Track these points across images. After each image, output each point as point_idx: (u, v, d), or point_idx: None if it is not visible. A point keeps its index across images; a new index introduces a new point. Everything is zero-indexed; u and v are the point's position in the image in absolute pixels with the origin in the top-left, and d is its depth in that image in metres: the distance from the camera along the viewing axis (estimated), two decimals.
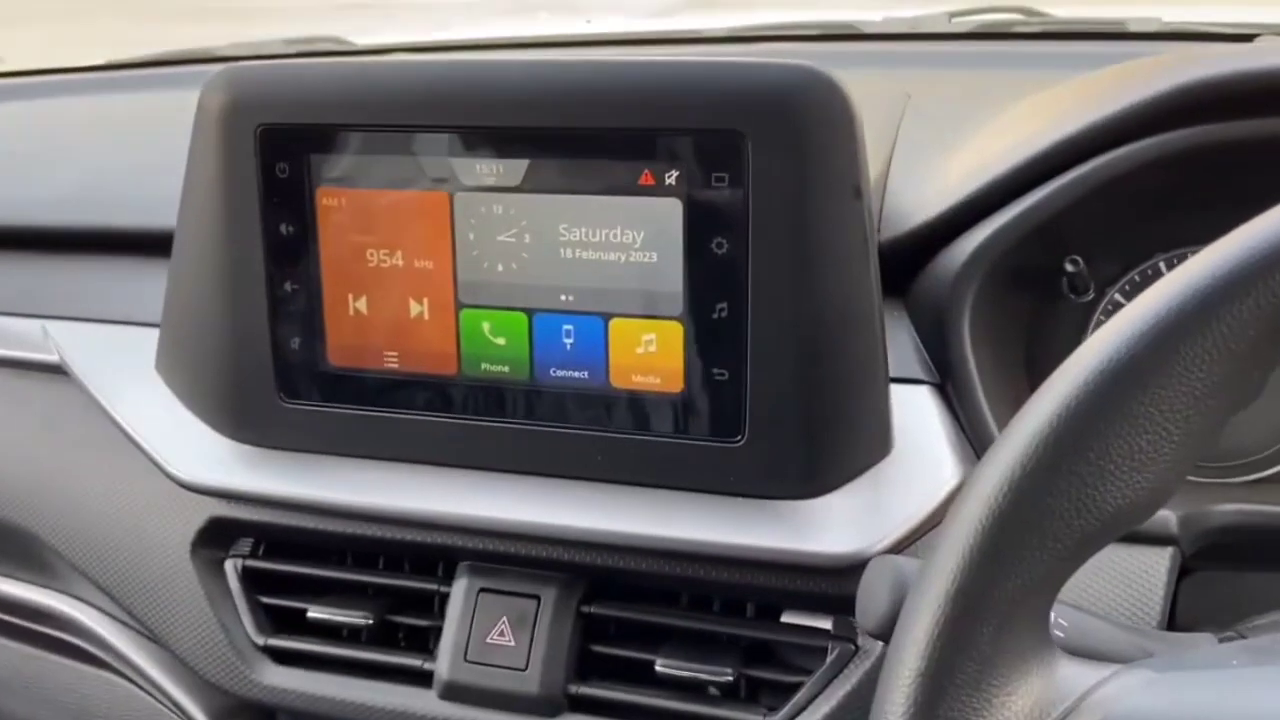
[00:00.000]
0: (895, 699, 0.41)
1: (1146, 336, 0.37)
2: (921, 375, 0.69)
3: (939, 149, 0.78)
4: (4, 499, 0.85)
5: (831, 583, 0.65)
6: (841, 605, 0.66)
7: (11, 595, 0.89)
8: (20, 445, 0.85)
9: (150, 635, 0.83)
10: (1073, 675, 0.43)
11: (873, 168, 0.80)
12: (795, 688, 0.67)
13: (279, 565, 0.78)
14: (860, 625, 0.51)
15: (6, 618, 0.91)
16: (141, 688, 0.86)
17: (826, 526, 0.64)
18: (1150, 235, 0.74)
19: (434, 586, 0.75)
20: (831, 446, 0.64)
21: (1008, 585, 0.40)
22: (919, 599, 0.41)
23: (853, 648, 0.65)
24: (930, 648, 0.40)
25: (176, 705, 0.82)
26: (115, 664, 0.86)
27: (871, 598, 0.50)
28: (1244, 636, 0.55)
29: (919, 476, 0.65)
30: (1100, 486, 0.38)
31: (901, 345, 0.70)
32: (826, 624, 0.67)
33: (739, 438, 0.65)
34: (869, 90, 0.91)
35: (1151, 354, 0.37)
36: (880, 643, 0.64)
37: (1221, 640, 0.52)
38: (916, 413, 0.67)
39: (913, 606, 0.42)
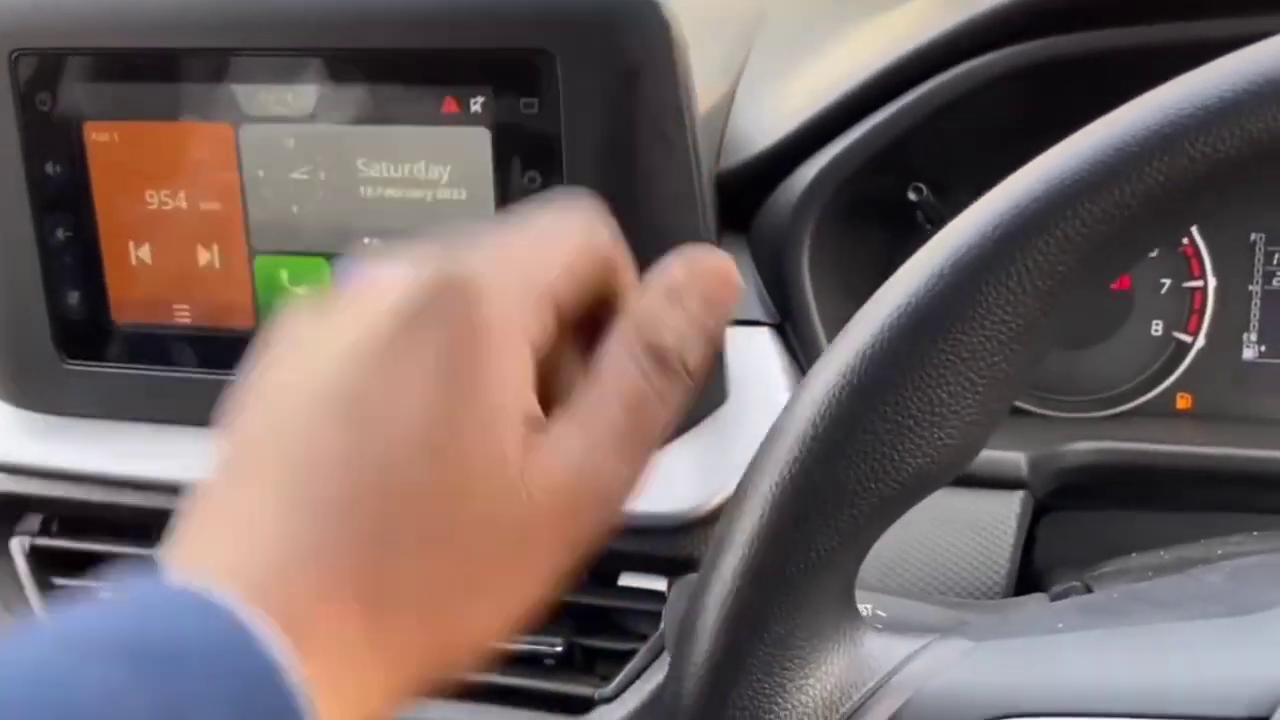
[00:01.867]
0: (686, 688, 0.37)
1: (944, 277, 0.32)
2: (760, 316, 0.64)
3: (786, 73, 0.73)
4: None
5: (668, 543, 0.60)
6: (677, 566, 0.61)
7: None
8: None
9: None
10: (880, 650, 0.38)
11: (717, 92, 0.74)
12: (629, 655, 0.62)
13: (71, 543, 0.71)
14: (668, 648, 0.46)
15: None
16: None
17: (658, 484, 0.59)
18: (1004, 165, 0.69)
19: None
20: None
21: (802, 558, 0.35)
22: (707, 579, 0.36)
23: None
24: (718, 631, 0.36)
25: None
26: None
27: (671, 615, 0.45)
28: (1088, 588, 0.52)
29: (758, 424, 0.60)
30: (898, 445, 0.34)
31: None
32: (663, 585, 0.63)
33: None
34: (720, 9, 0.85)
35: (950, 295, 0.32)
36: None
37: (1055, 598, 0.48)
38: (754, 356, 0.62)
39: (701, 586, 0.37)
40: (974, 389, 0.33)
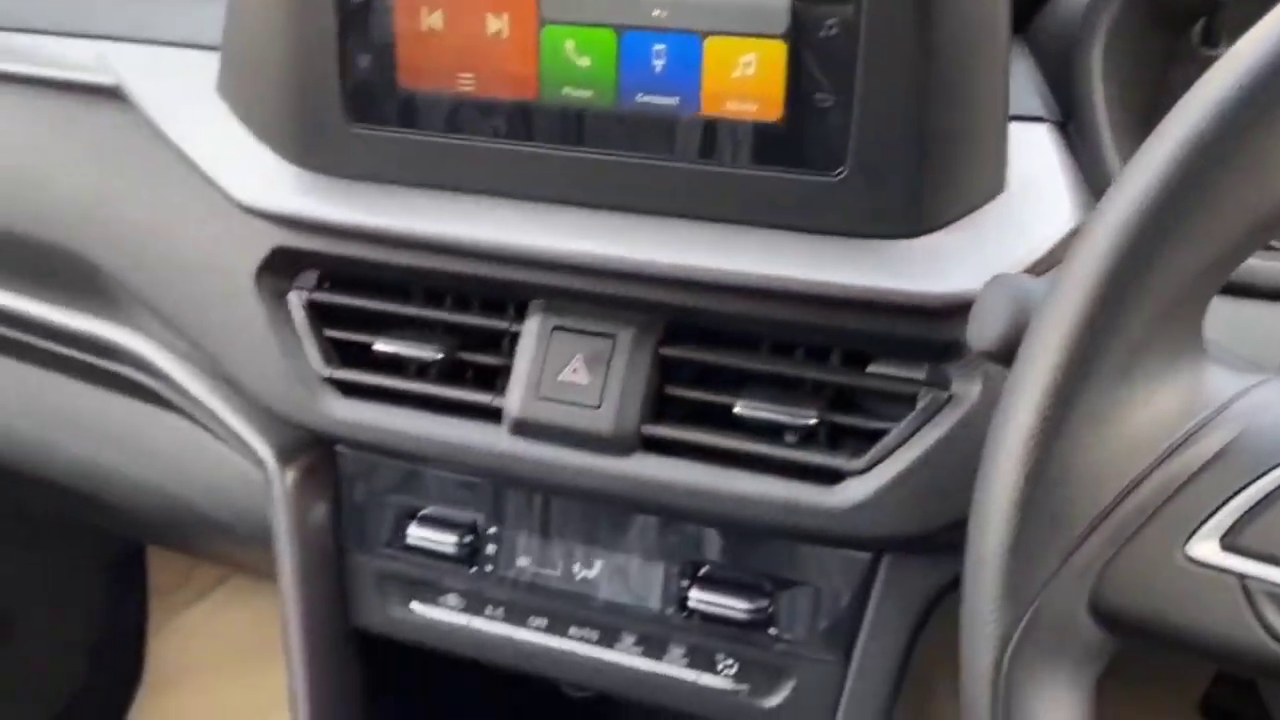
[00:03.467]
0: (1033, 383, 0.38)
1: None
2: (1041, 112, 0.64)
3: None
4: (60, 224, 0.83)
5: (929, 326, 0.61)
6: (937, 352, 0.62)
7: (71, 328, 0.87)
8: (75, 170, 0.82)
9: (214, 370, 0.82)
10: (1219, 380, 0.39)
11: None
12: (880, 434, 0.64)
13: (345, 299, 0.76)
14: (974, 344, 0.47)
15: (66, 352, 0.90)
16: (205, 425, 0.85)
17: (929, 266, 0.60)
18: None
19: (505, 324, 0.72)
20: (941, 181, 0.60)
21: (1171, 266, 0.36)
22: (1069, 280, 0.38)
23: (945, 395, 0.62)
24: (1078, 329, 0.37)
25: (240, 440, 0.81)
26: (178, 400, 0.85)
27: (989, 314, 0.46)
28: None
29: (1033, 217, 0.61)
30: (1269, 168, 0.34)
31: (1020, 78, 0.64)
32: (919, 373, 0.64)
33: (840, 171, 0.60)
34: None
35: None
36: (976, 390, 0.61)
37: None
38: (1033, 152, 0.62)
39: (1059, 288, 0.38)
40: None
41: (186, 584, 1.94)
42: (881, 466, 0.63)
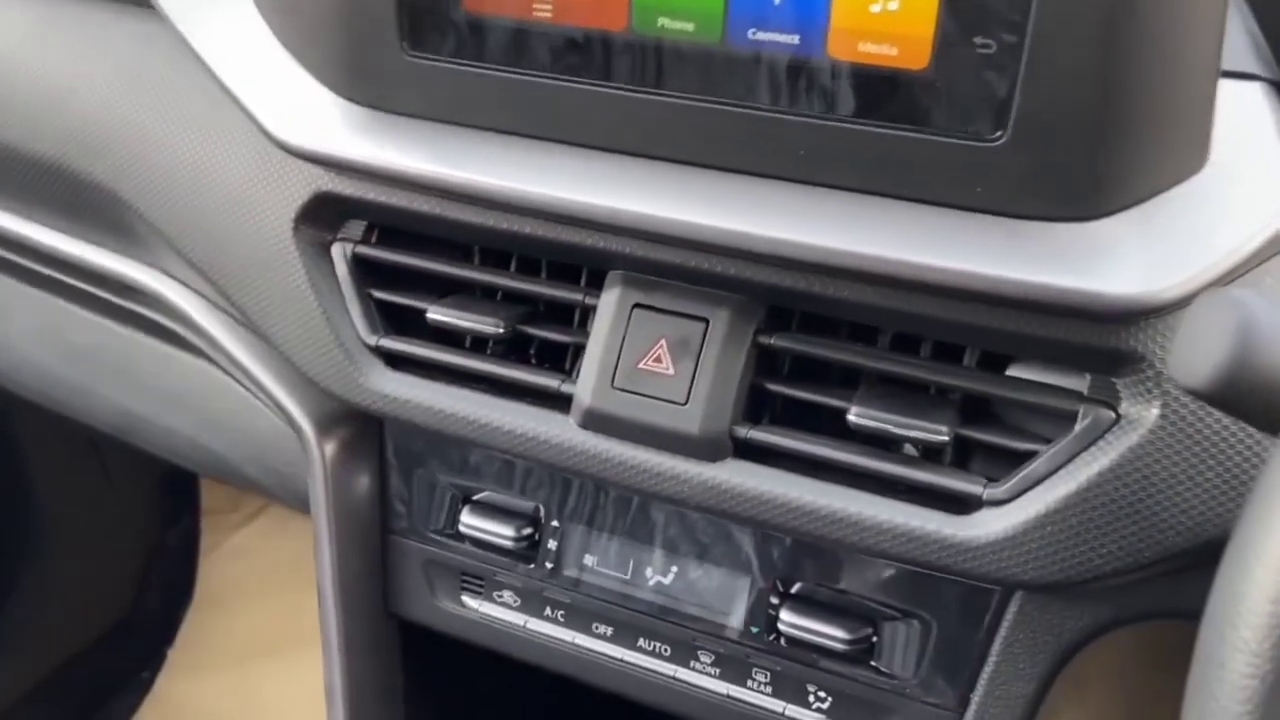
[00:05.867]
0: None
1: None
2: (1256, 69, 0.51)
3: None
4: (85, 149, 0.73)
5: (1097, 331, 0.50)
6: (1105, 362, 0.51)
7: (98, 265, 0.79)
8: (102, 89, 0.72)
9: (247, 323, 0.73)
10: None
11: None
12: (1026, 456, 0.53)
13: (394, 255, 0.66)
14: (1183, 379, 0.36)
15: (95, 290, 0.82)
16: (237, 380, 0.77)
17: (1103, 258, 0.48)
18: None
19: (578, 296, 0.62)
20: (1127, 153, 0.48)
21: None
22: None
23: (1113, 416, 0.51)
24: None
25: (276, 404, 0.72)
26: (210, 352, 0.76)
27: (1203, 343, 0.36)
28: None
29: (1238, 203, 0.48)
30: None
31: (1230, 26, 0.52)
32: (1079, 385, 0.53)
33: (999, 135, 0.48)
34: None
35: None
36: (1153, 414, 0.50)
37: None
38: (1244, 117, 0.50)
39: None
40: None
41: (236, 508, 1.92)
42: (1028, 497, 0.52)
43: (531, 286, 0.64)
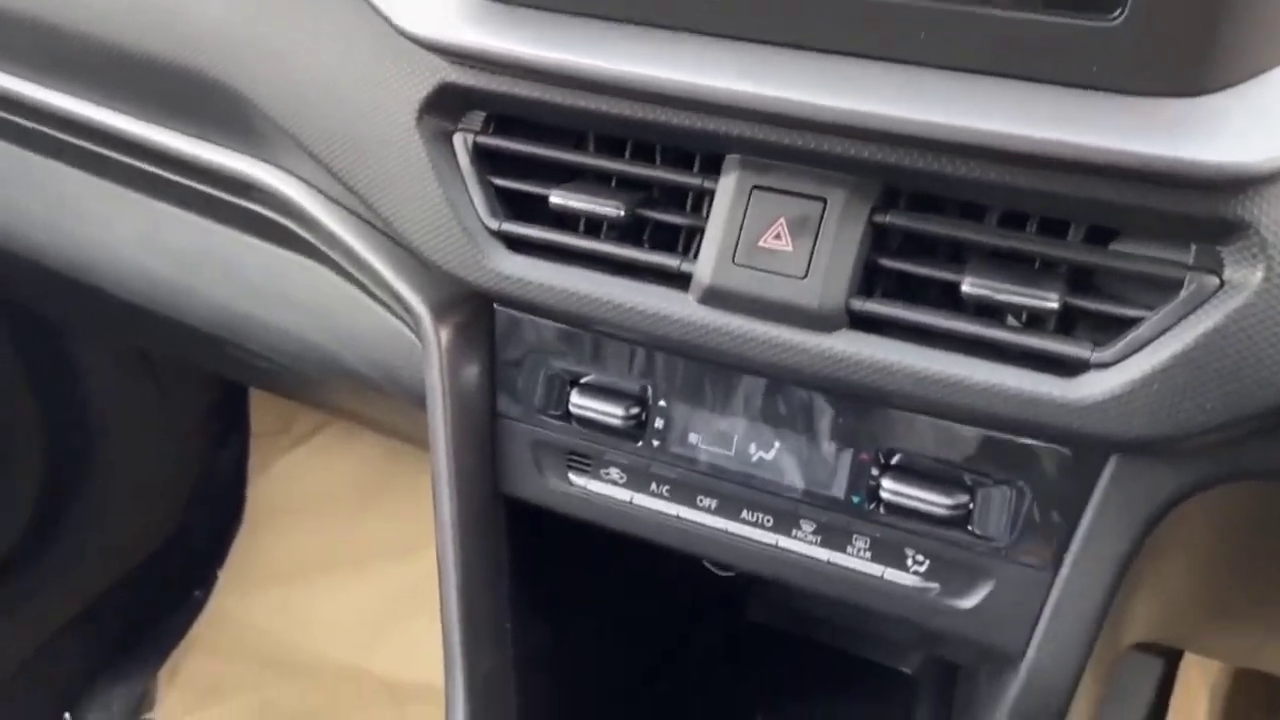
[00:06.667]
0: None
1: None
2: None
3: None
4: (201, 47, 0.76)
5: (1207, 201, 0.53)
6: (1211, 230, 0.54)
7: (213, 163, 0.82)
8: None
9: (366, 217, 0.76)
10: None
11: None
12: (1130, 323, 0.57)
13: (516, 144, 0.69)
14: None
15: (203, 188, 0.85)
16: (350, 276, 0.80)
17: (1216, 130, 0.52)
18: None
19: (696, 180, 0.65)
20: (1238, 29, 0.51)
21: None
22: None
23: (1217, 282, 0.55)
24: None
25: (393, 292, 0.76)
26: (325, 247, 0.80)
27: None
28: None
29: None
30: None
31: None
32: (1184, 256, 0.56)
33: (1116, 13, 0.51)
34: None
35: None
36: (1257, 277, 0.53)
37: None
38: None
39: None
40: None
41: (287, 430, 1.95)
42: (1135, 359, 0.56)
43: (650, 171, 0.67)
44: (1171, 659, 1.36)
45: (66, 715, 1.67)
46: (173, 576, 1.92)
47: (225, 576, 1.95)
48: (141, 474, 1.81)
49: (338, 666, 1.77)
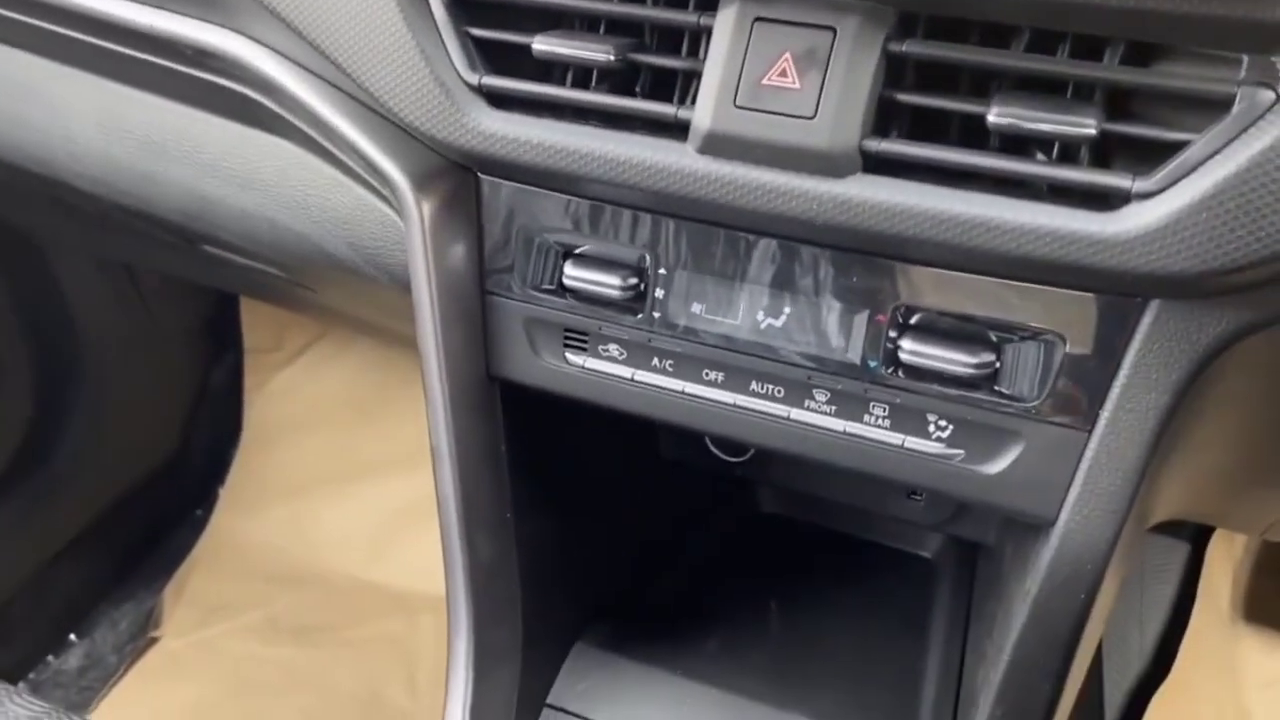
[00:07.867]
0: None
1: None
2: None
3: None
4: None
5: (1257, 3, 0.48)
6: (1265, 38, 0.49)
7: (170, 32, 0.76)
8: None
9: (337, 83, 0.70)
10: None
11: None
12: (1176, 149, 0.51)
13: None
14: None
15: (162, 62, 0.79)
16: (323, 150, 0.75)
17: None
18: None
19: (693, 18, 0.60)
20: None
21: None
22: None
23: (1273, 96, 0.49)
24: None
25: (369, 164, 0.70)
26: (294, 119, 0.74)
27: None
28: None
29: None
30: None
31: None
32: (1230, 74, 0.51)
33: None
34: None
35: None
36: None
37: None
38: None
39: None
40: None
41: (280, 346, 1.92)
42: (1180, 186, 0.51)
43: (641, 10, 0.61)
44: (1198, 544, 1.33)
45: (71, 636, 1.65)
46: (173, 495, 1.90)
47: (226, 494, 1.93)
48: (135, 392, 1.78)
49: (346, 579, 1.76)
